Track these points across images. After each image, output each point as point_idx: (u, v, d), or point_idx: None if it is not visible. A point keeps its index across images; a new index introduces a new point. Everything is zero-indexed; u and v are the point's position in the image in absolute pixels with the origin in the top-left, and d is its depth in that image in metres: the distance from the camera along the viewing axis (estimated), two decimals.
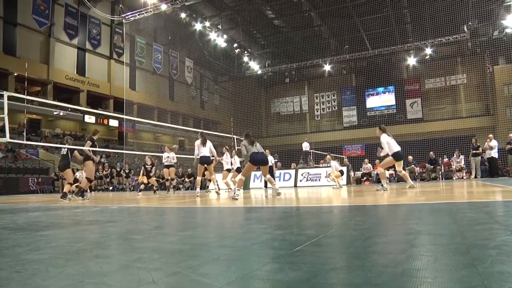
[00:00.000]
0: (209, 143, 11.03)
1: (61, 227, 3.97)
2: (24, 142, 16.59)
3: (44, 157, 26.77)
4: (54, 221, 4.73)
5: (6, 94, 8.64)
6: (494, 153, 16.32)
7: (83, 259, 2.11)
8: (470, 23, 26.95)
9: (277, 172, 18.65)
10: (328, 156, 15.12)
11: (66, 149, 10.11)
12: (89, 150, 10.13)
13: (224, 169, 14.30)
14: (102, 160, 28.20)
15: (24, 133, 20.89)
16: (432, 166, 18.74)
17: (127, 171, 23.35)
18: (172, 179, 15.57)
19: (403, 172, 9.66)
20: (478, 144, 17.44)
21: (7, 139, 8.77)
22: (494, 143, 16.33)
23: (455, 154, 18.70)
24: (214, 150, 11.27)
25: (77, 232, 3.45)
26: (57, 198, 12.05)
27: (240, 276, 1.58)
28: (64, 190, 10.39)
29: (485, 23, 27.70)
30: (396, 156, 9.06)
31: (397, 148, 9.08)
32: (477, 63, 33.31)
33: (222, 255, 2.05)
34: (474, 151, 17.09)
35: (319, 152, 24.80)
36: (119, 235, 3.12)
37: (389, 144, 9.09)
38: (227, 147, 14.72)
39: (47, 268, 1.89)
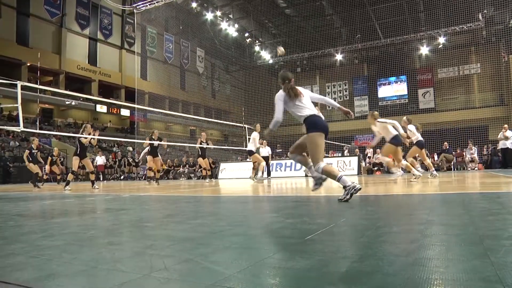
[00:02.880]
0: None
1: (74, 214, 4.02)
2: (37, 131, 16.78)
3: (57, 146, 27.08)
4: (67, 208, 4.80)
5: (19, 84, 8.72)
6: (510, 144, 16.07)
7: (96, 245, 2.14)
8: (485, 11, 26.42)
9: (288, 162, 18.68)
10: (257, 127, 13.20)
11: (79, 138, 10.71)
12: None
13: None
14: (114, 149, 28.49)
15: (37, 123, 21.14)
16: (444, 156, 18.52)
17: (137, 160, 23.61)
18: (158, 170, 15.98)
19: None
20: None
21: (21, 128, 8.86)
22: (510, 133, 16.07)
23: (468, 147, 18.48)
24: None
25: (89, 219, 3.49)
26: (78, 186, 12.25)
27: (251, 264, 1.58)
28: (91, 179, 11.23)
29: (501, 10, 27.11)
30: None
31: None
32: (492, 52, 32.67)
33: (233, 243, 2.07)
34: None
35: (331, 142, 24.68)
36: (131, 222, 3.16)
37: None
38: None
39: (61, 254, 1.92)
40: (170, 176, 22.94)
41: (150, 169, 13.55)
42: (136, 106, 25.33)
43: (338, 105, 4.98)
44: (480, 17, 26.71)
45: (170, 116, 34.81)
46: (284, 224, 2.69)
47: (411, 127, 9.64)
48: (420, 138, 9.63)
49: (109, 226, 3.01)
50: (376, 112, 9.43)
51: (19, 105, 8.64)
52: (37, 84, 25.87)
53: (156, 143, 13.27)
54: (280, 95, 4.57)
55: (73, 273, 1.55)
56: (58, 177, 17.23)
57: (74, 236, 2.48)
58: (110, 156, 26.27)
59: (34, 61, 28.93)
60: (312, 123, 4.43)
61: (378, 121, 8.99)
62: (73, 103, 32.14)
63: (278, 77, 4.64)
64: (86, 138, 10.56)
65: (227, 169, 20.43)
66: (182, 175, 22.43)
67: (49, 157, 16.81)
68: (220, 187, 9.37)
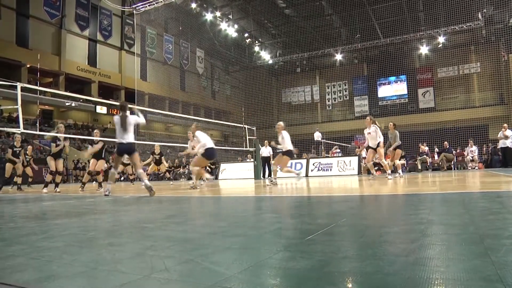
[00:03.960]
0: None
1: (74, 216, 4.02)
2: (37, 132, 16.76)
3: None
4: (67, 210, 4.79)
5: (19, 85, 8.71)
6: (510, 143, 16.07)
7: (96, 247, 2.14)
8: (485, 10, 26.40)
9: (288, 162, 18.67)
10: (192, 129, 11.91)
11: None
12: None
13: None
14: (113, 150, 28.52)
15: (37, 124, 21.11)
16: (444, 156, 18.51)
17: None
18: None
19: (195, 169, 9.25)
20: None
21: (21, 129, 8.86)
22: (509, 132, 16.08)
23: (469, 144, 18.56)
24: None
25: (90, 220, 3.49)
26: (68, 188, 12.21)
27: (252, 264, 1.58)
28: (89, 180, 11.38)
29: (501, 9, 27.09)
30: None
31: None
32: (492, 52, 32.69)
33: (234, 243, 2.06)
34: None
35: (331, 142, 24.69)
36: (131, 223, 3.16)
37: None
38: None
39: (62, 255, 1.92)
40: (171, 177, 22.92)
41: (51, 173, 11.02)
42: (136, 107, 25.28)
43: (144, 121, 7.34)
44: (480, 16, 26.70)
45: (170, 117, 34.80)
46: (285, 224, 2.69)
47: (284, 133, 9.72)
48: (290, 147, 9.87)
49: (109, 227, 3.01)
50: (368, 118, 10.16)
51: (19, 106, 8.63)
52: (37, 85, 25.83)
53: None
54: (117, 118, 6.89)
55: (73, 275, 1.55)
56: (30, 180, 16.62)
57: (74, 238, 2.47)
58: (110, 157, 26.24)
59: (34, 63, 28.91)
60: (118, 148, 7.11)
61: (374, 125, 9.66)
62: (73, 105, 32.14)
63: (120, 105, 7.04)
64: (56, 147, 10.60)
65: (227, 169, 20.46)
66: (182, 176, 22.42)
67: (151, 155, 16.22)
68: (220, 188, 9.36)
